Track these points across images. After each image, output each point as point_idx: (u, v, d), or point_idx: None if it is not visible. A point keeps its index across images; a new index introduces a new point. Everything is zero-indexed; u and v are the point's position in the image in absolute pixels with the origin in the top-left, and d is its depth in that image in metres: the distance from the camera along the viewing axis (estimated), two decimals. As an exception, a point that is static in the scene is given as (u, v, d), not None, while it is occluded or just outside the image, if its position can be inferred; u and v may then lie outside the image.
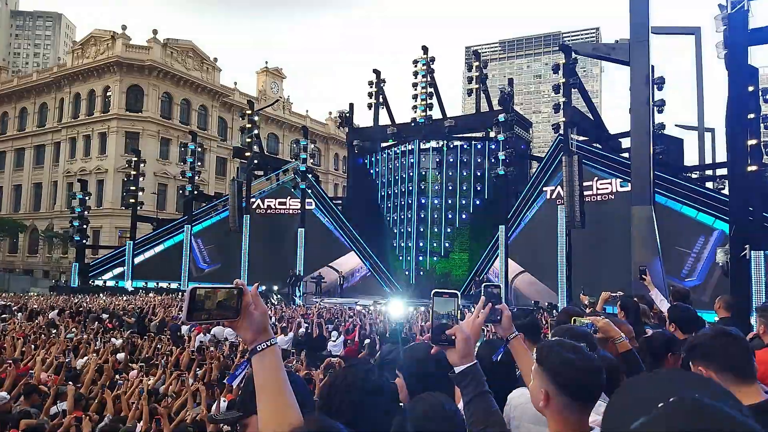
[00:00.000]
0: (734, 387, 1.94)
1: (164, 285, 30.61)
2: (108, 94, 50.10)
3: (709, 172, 25.37)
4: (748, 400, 1.91)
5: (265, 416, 1.46)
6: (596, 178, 23.23)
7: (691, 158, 28.51)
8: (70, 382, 6.62)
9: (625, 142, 23.02)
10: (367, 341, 12.07)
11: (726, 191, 19.08)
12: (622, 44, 19.26)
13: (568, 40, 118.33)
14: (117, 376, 7.66)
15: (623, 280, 13.29)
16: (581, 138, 23.78)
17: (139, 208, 32.55)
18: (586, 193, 21.80)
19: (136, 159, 32.39)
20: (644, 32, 17.31)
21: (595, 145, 24.35)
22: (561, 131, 22.37)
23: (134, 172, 32.18)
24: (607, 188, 23.09)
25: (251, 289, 1.55)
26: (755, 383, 1.99)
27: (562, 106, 21.95)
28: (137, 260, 32.03)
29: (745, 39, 14.50)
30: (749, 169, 14.24)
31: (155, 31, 50.54)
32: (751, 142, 14.34)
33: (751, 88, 14.48)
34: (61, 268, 48.36)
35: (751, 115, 14.41)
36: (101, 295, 26.17)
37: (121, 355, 9.20)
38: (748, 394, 1.94)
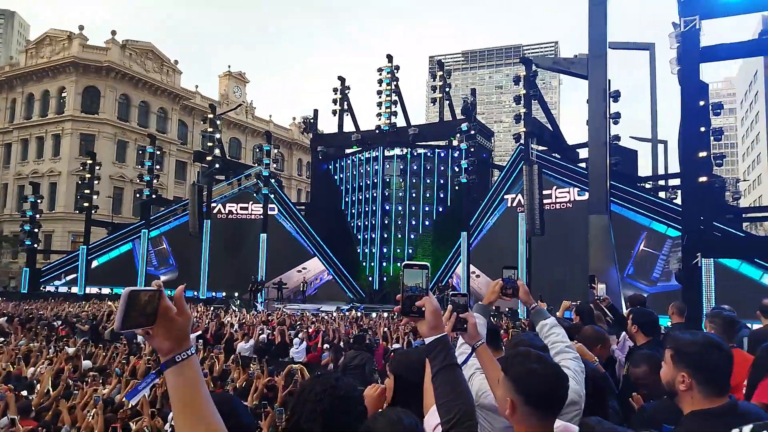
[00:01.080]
0: (709, 396, 2.04)
1: (119, 291, 29.71)
2: (63, 95, 48.51)
3: (662, 183, 26.28)
4: (712, 404, 2.03)
5: None
6: (555, 187, 23.79)
7: (644, 169, 29.57)
8: (24, 392, 6.36)
9: (583, 153, 23.67)
10: (326, 347, 12.01)
11: (678, 201, 19.80)
12: (580, 59, 19.81)
13: (529, 53, 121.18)
14: (72, 385, 7.40)
15: (581, 285, 13.60)
16: (541, 148, 24.34)
17: (93, 212, 31.56)
18: (545, 201, 22.29)
19: (91, 162, 31.45)
20: (602, 47, 17.86)
21: (554, 155, 24.95)
22: (522, 141, 22.85)
23: (89, 175, 31.22)
24: (565, 197, 23.67)
25: (176, 291, 1.33)
26: (726, 395, 2.06)
27: (522, 117, 22.44)
28: (91, 266, 31.05)
29: (697, 56, 15.10)
30: (700, 179, 14.82)
31: (114, 32, 49.31)
32: (702, 154, 14.93)
33: (702, 103, 15.09)
34: (11, 274, 46.41)
35: (702, 129, 15.00)
36: (50, 300, 25.19)
37: (86, 363, 8.92)
38: (717, 402, 2.04)
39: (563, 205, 23.65)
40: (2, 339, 11.82)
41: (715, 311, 4.50)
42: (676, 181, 22.31)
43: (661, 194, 24.24)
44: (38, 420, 5.55)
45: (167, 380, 1.26)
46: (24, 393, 6.71)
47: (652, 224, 20.48)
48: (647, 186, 24.75)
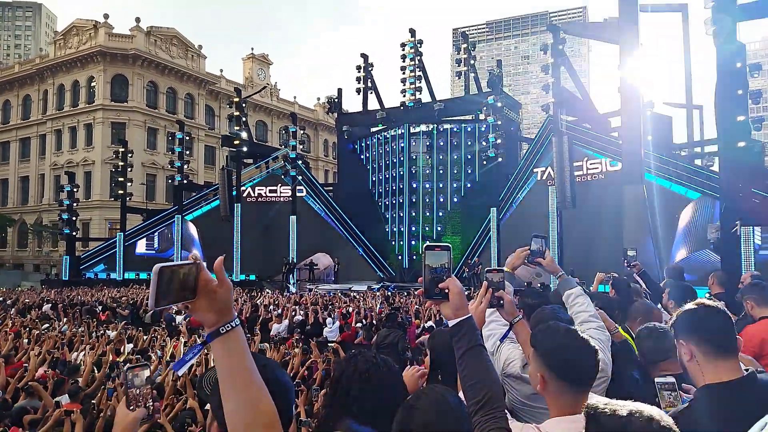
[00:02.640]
0: (711, 359, 1.96)
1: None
2: (92, 84, 49.39)
3: (698, 150, 25.48)
4: (726, 375, 1.94)
5: (233, 409, 1.25)
6: (586, 158, 23.29)
7: (680, 136, 28.65)
8: (70, 378, 6.59)
9: (615, 121, 23.06)
10: (359, 326, 12.12)
11: (715, 168, 19.19)
12: (610, 23, 19.20)
13: (556, 20, 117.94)
14: (115, 369, 7.63)
15: (615, 259, 13.37)
16: (571, 118, 23.78)
17: (128, 199, 32.28)
18: (576, 173, 21.86)
19: (123, 150, 32.03)
20: (632, 11, 17.24)
21: (584, 124, 24.36)
22: (550, 112, 22.35)
23: (122, 163, 31.83)
24: (597, 168, 23.16)
25: (216, 263, 1.34)
26: (735, 358, 1.99)
27: (551, 87, 21.91)
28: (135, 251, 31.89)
29: (733, 14, 14.47)
30: (738, 144, 14.31)
31: (138, 19, 49.76)
32: (740, 118, 14.39)
33: (738, 65, 14.49)
34: (52, 262, 48.03)
35: (740, 92, 14.43)
36: (90, 288, 25.98)
37: (129, 346, 9.20)
38: (726, 369, 1.95)
39: (595, 177, 23.16)
40: (47, 325, 12.26)
41: (754, 282, 4.38)
42: (713, 148, 21.56)
43: (697, 161, 23.53)
44: (82, 403, 5.74)
45: (213, 351, 1.28)
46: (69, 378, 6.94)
47: (688, 193, 19.93)
48: (683, 153, 24.03)
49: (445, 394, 1.71)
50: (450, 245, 1.97)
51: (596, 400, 1.31)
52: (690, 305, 2.11)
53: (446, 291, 1.86)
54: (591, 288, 6.08)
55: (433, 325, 11.33)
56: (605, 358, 2.47)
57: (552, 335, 1.91)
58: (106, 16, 49.20)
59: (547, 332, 1.94)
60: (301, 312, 14.19)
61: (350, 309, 14.85)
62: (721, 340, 1.99)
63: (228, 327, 1.28)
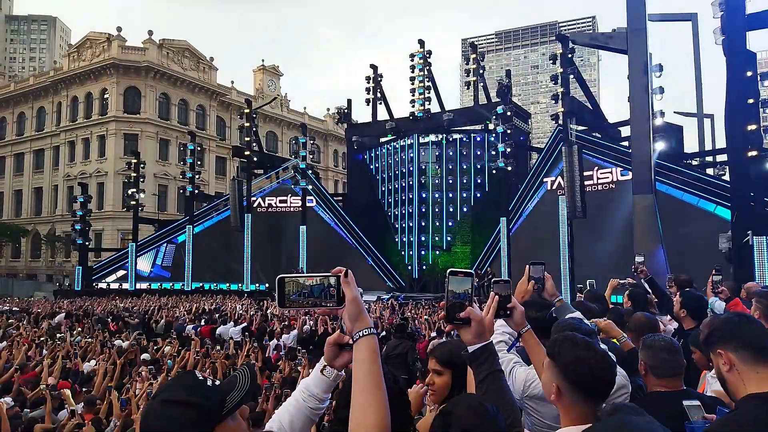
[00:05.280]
0: (752, 365, 1.91)
1: (167, 286, 30.65)
2: (105, 96, 50.03)
3: (709, 159, 25.32)
4: (766, 385, 1.87)
5: (353, 412, 1.39)
6: (597, 168, 23.19)
7: (691, 145, 28.49)
8: (84, 387, 6.65)
9: (625, 131, 22.99)
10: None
11: (727, 177, 19.06)
12: (619, 33, 19.18)
13: (565, 30, 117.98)
14: (127, 378, 7.70)
15: (626, 269, 13.28)
16: (580, 128, 23.73)
17: (140, 209, 32.56)
18: (586, 182, 21.77)
19: (135, 161, 32.37)
20: (641, 20, 17.24)
21: (594, 134, 24.31)
22: (560, 121, 22.33)
23: (134, 174, 32.16)
24: (607, 177, 23.05)
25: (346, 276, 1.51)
26: None
27: (560, 96, 21.90)
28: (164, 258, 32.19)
29: (743, 24, 14.46)
30: (749, 154, 14.23)
31: (150, 32, 50.45)
32: (751, 127, 14.32)
33: (749, 74, 14.44)
34: (65, 272, 48.45)
35: (750, 101, 14.38)
36: (100, 298, 26.15)
37: (145, 356, 9.27)
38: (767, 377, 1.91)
39: (605, 186, 23.04)
40: (60, 335, 12.37)
41: (763, 291, 4.33)
42: (725, 157, 21.44)
43: (709, 171, 23.37)
44: (96, 413, 5.79)
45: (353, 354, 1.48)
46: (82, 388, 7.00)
47: (700, 203, 19.78)
48: (694, 163, 23.89)
49: (481, 401, 1.74)
50: (472, 272, 2.00)
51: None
52: (722, 316, 2.10)
53: (468, 317, 1.90)
54: (605, 293, 6.05)
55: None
56: (624, 372, 2.47)
57: (571, 347, 1.91)
58: (119, 29, 49.92)
59: (566, 343, 1.93)
60: (311, 322, 14.21)
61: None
62: (759, 344, 1.94)
63: (357, 336, 1.47)
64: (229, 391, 1.36)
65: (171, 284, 30.77)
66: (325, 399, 1.70)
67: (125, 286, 31.18)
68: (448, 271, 1.94)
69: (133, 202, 32.14)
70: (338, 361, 1.67)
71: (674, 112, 28.73)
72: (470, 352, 1.90)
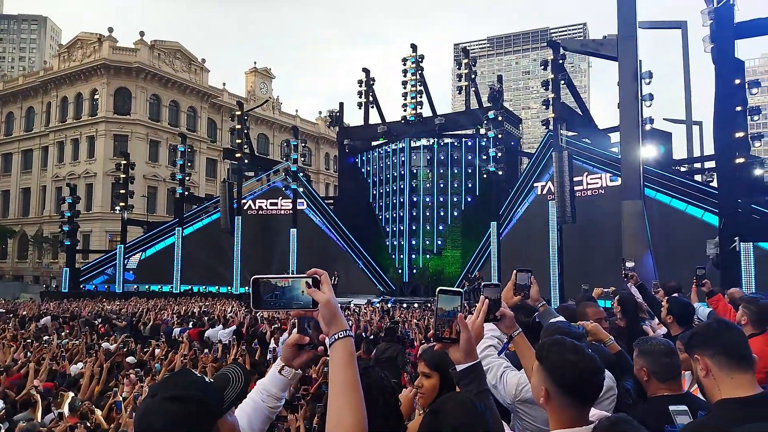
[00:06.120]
0: (727, 372, 1.95)
1: (155, 288, 30.44)
2: (95, 97, 49.70)
3: (697, 165, 25.58)
4: (740, 391, 1.92)
5: (329, 415, 1.39)
6: (586, 173, 23.37)
7: (679, 152, 28.77)
8: (69, 390, 6.58)
9: (615, 137, 23.19)
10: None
11: (715, 184, 19.26)
12: (610, 40, 19.38)
13: (556, 36, 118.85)
14: (113, 381, 7.63)
15: (615, 274, 13.37)
16: (571, 133, 23.91)
17: (129, 211, 32.32)
18: (576, 188, 21.93)
19: (125, 162, 32.16)
20: (632, 27, 17.43)
21: (584, 140, 24.49)
22: (550, 127, 22.50)
23: (123, 176, 31.95)
24: (597, 183, 23.23)
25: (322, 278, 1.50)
26: (750, 373, 1.97)
27: (551, 102, 22.08)
28: (128, 264, 31.85)
29: (731, 33, 14.63)
30: (737, 160, 14.39)
31: (142, 33, 50.20)
32: (739, 134, 14.48)
33: (737, 81, 14.62)
34: (52, 273, 47.97)
35: (738, 108, 14.55)
36: (87, 300, 25.92)
37: (131, 358, 9.18)
38: (742, 383, 1.94)
39: (595, 192, 23.22)
40: (46, 337, 12.24)
41: (750, 297, 4.36)
42: (713, 164, 21.67)
43: (697, 177, 23.60)
44: (81, 417, 5.73)
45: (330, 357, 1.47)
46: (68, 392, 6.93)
47: (688, 209, 19.97)
48: (682, 169, 24.12)
49: (473, 399, 1.74)
50: (461, 291, 2.01)
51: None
52: (704, 322, 2.14)
53: (454, 336, 1.89)
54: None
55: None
56: (611, 374, 2.47)
57: (560, 350, 1.91)
58: (110, 30, 49.63)
59: (555, 347, 1.94)
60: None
61: (350, 322, 14.82)
62: (735, 352, 1.98)
63: (332, 339, 1.46)
64: (224, 387, 1.38)
65: (159, 287, 30.56)
66: (282, 398, 1.70)
67: (113, 288, 30.94)
68: (438, 289, 1.94)
69: (121, 204, 31.91)
70: (296, 362, 1.68)
71: (663, 119, 29.08)
72: (458, 371, 1.90)
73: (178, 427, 1.26)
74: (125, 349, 10.36)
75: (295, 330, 1.65)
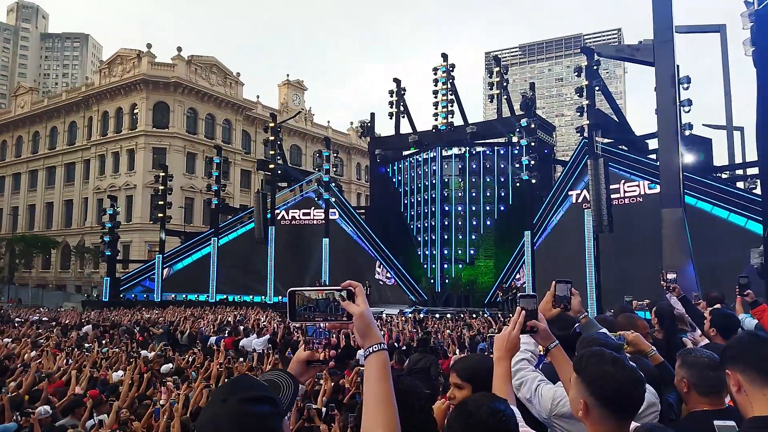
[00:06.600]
0: (759, 388, 1.87)
1: (192, 298, 30.99)
2: (135, 111, 51.19)
3: (739, 172, 24.78)
4: None
5: (364, 428, 1.40)
6: (623, 181, 22.88)
7: (720, 158, 27.91)
8: (112, 397, 6.74)
9: (652, 143, 22.68)
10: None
11: (758, 191, 18.60)
12: (645, 45, 19.00)
13: (590, 42, 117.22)
14: (151, 389, 7.77)
15: (654, 285, 13.01)
16: (606, 140, 23.49)
17: (167, 222, 33.09)
18: (613, 196, 21.48)
19: (163, 174, 32.97)
20: (668, 32, 17.05)
21: (621, 147, 24.02)
22: (585, 134, 22.13)
23: (162, 187, 32.75)
24: (635, 191, 22.70)
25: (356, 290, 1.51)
26: None
27: (585, 109, 21.73)
28: (166, 273, 32.55)
29: (774, 35, 14.17)
30: (782, 167, 13.87)
31: (179, 49, 51.60)
32: (783, 139, 13.98)
33: (781, 85, 14.13)
34: (93, 283, 49.35)
35: (783, 112, 14.04)
36: (126, 309, 26.52)
37: (167, 366, 9.37)
38: None
39: (633, 200, 22.69)
40: (87, 345, 12.58)
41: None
42: (755, 170, 20.95)
43: (740, 184, 22.86)
44: (122, 424, 5.86)
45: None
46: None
47: (730, 217, 19.34)
48: (724, 176, 23.40)
49: (499, 401, 1.75)
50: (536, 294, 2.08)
51: None
52: (738, 335, 2.07)
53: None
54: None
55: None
56: (653, 389, 2.41)
57: (598, 362, 1.87)
58: (149, 46, 51.16)
59: (593, 359, 1.90)
60: (333, 335, 14.20)
61: (382, 332, 14.79)
62: (767, 367, 1.90)
63: (368, 351, 1.46)
64: (278, 391, 1.43)
65: (196, 296, 31.10)
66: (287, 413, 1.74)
67: (152, 297, 31.63)
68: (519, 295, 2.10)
69: (160, 215, 32.71)
70: (304, 377, 1.70)
71: (703, 125, 28.21)
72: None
73: (261, 427, 1.28)
74: (163, 357, 10.57)
75: (302, 346, 1.68)
